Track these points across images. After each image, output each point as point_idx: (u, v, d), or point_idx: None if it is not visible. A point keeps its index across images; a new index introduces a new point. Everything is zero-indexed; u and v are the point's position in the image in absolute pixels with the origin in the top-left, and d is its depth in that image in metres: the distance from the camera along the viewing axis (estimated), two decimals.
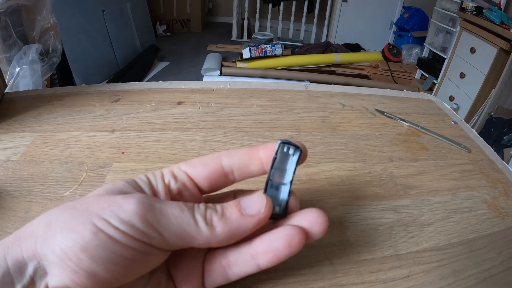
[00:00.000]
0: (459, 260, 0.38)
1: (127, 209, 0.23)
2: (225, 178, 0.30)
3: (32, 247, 0.22)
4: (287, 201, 0.29)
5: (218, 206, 0.26)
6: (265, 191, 0.29)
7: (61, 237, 0.22)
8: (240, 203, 0.27)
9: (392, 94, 0.76)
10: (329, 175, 0.48)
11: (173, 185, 0.29)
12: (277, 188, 0.29)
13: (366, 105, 0.68)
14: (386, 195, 0.45)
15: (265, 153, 0.29)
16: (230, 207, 0.26)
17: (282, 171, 0.29)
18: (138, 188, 0.27)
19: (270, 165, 0.29)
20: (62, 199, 0.40)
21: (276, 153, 0.29)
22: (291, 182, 0.29)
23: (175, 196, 0.29)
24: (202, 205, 0.26)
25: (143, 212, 0.23)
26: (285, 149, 0.29)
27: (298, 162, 0.29)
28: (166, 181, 0.29)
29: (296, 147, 0.29)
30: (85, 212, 0.23)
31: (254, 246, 0.27)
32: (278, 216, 0.29)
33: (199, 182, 0.29)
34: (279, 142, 0.29)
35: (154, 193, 0.28)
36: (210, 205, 0.26)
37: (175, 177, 0.29)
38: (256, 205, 0.26)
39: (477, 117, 2.52)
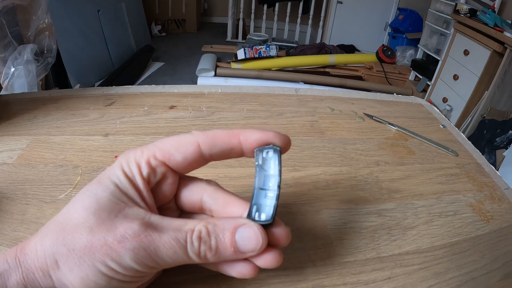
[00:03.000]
0: (441, 263, 0.38)
1: (126, 258, 0.24)
2: (204, 162, 0.30)
3: (49, 284, 0.25)
4: (276, 207, 0.28)
5: (213, 239, 0.26)
6: (252, 199, 0.28)
7: (73, 279, 0.24)
8: (235, 237, 0.27)
9: (382, 98, 0.77)
10: (315, 179, 0.48)
11: (153, 179, 0.29)
12: (265, 195, 0.28)
13: (355, 109, 0.69)
14: (370, 199, 0.46)
15: (246, 143, 0.29)
16: (225, 243, 0.26)
17: (267, 177, 0.29)
18: (122, 199, 0.27)
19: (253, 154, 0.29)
20: (57, 202, 0.40)
21: (256, 161, 0.29)
22: (279, 186, 0.28)
23: (154, 187, 0.29)
24: (196, 241, 0.26)
25: (140, 260, 0.25)
26: (263, 154, 0.29)
27: (281, 161, 0.28)
28: (145, 174, 0.28)
29: (275, 148, 0.29)
30: (86, 256, 0.24)
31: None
32: (265, 223, 0.27)
33: (177, 169, 0.29)
34: (255, 151, 0.29)
35: (137, 191, 0.28)
36: (203, 234, 0.26)
37: (153, 170, 0.28)
38: (251, 243, 0.26)
39: (470, 118, 2.53)
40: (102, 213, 0.25)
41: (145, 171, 0.28)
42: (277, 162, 0.28)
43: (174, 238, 0.25)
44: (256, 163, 0.29)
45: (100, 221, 0.25)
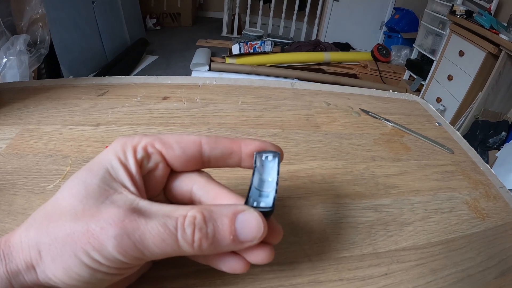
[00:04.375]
0: (437, 260, 0.38)
1: (108, 247, 0.22)
2: (201, 165, 0.29)
3: (33, 278, 0.24)
4: (275, 196, 0.27)
5: (210, 226, 0.24)
6: (249, 191, 0.27)
7: (56, 271, 0.23)
8: (235, 224, 0.25)
9: (378, 94, 0.76)
10: (311, 173, 0.48)
11: (146, 165, 0.28)
12: (260, 194, 0.28)
13: (351, 104, 0.68)
14: (367, 193, 0.46)
15: (246, 150, 0.29)
16: (223, 230, 0.24)
17: (265, 180, 0.29)
18: (112, 186, 0.25)
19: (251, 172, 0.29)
20: (46, 192, 0.39)
21: (255, 163, 0.29)
22: (276, 185, 0.28)
23: (145, 175, 0.28)
24: (188, 227, 0.24)
25: (124, 249, 0.23)
26: (263, 157, 0.29)
27: (279, 166, 0.29)
28: (139, 157, 0.27)
29: (274, 153, 0.29)
30: (68, 245, 0.23)
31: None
32: (265, 211, 0.26)
33: (172, 163, 0.29)
34: (255, 154, 0.29)
35: (129, 174, 0.26)
36: (198, 220, 0.24)
37: (148, 156, 0.28)
38: (252, 231, 0.25)
39: (463, 119, 2.55)
40: (89, 200, 0.24)
41: (139, 154, 0.27)
42: (275, 166, 0.29)
43: (163, 224, 0.23)
44: (255, 165, 0.29)
45: (87, 207, 0.24)
